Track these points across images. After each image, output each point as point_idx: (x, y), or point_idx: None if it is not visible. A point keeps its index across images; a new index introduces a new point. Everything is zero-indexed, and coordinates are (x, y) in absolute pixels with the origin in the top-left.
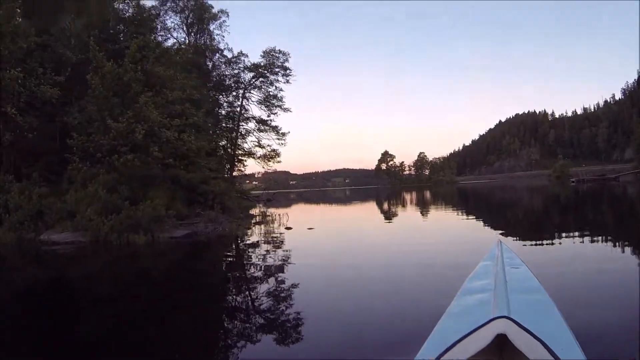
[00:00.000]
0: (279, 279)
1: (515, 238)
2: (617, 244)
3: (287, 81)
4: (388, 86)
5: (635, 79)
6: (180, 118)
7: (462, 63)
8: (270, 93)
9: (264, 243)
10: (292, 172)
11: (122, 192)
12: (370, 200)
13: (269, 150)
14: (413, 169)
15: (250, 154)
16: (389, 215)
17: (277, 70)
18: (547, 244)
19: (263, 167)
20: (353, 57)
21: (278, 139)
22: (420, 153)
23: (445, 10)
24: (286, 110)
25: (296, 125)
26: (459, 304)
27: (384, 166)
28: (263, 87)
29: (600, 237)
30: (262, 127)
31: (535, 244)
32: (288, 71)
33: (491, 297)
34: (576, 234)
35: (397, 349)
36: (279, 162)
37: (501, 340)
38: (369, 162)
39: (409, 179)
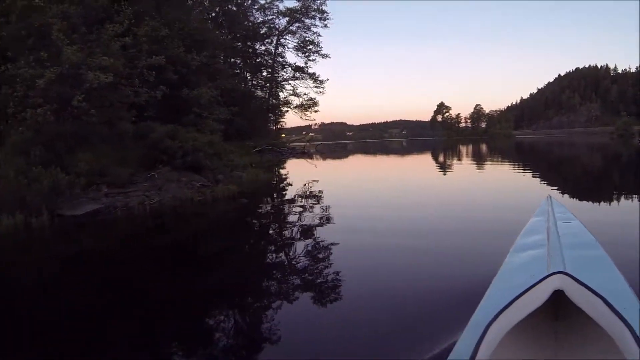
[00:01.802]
0: (314, 237)
1: (569, 195)
2: None
3: (325, 25)
4: (446, 36)
5: None
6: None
7: (523, 14)
8: (307, 38)
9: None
10: (348, 123)
11: (35, 155)
12: (426, 152)
13: (306, 99)
14: (469, 121)
15: (286, 103)
16: (444, 168)
17: (313, 13)
18: (602, 202)
19: (301, 117)
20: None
21: (316, 86)
22: (477, 105)
23: None
24: (324, 56)
25: (352, 76)
26: (511, 261)
27: (439, 118)
28: (299, 32)
29: None
30: (299, 75)
31: (591, 202)
32: (325, 14)
33: (545, 253)
34: (636, 194)
35: (446, 314)
36: (316, 111)
37: (557, 298)
38: (425, 113)
39: (465, 131)
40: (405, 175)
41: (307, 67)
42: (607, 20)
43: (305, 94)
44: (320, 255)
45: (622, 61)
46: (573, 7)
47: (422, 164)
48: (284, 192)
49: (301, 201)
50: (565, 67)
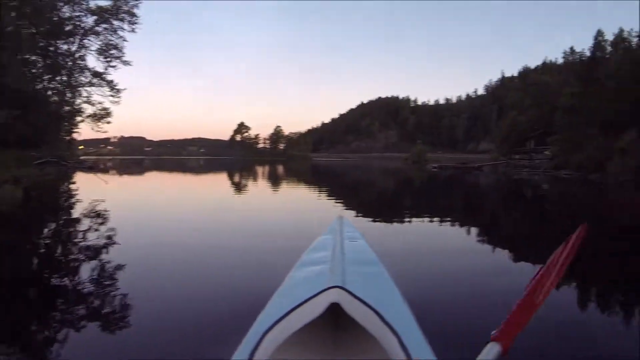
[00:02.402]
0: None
1: (361, 215)
2: (464, 227)
3: (133, 30)
4: (250, 55)
5: (499, 78)
6: None
7: (326, 44)
8: (111, 42)
9: None
10: (147, 137)
11: None
12: (223, 171)
13: (100, 108)
14: (268, 142)
15: (78, 111)
16: (238, 188)
17: (123, 15)
18: (390, 223)
19: (92, 128)
20: (220, 29)
21: (112, 95)
22: (277, 127)
23: None
24: (126, 63)
25: (154, 89)
26: (295, 275)
27: (238, 137)
28: (105, 34)
29: (449, 221)
30: (96, 81)
31: (379, 222)
32: (135, 17)
33: (327, 268)
34: (425, 215)
35: (230, 327)
36: (108, 122)
37: (337, 311)
38: (225, 132)
39: (263, 151)
40: (199, 194)
41: (106, 74)
42: (409, 57)
43: (99, 102)
44: (104, 280)
45: (422, 95)
46: (375, 43)
47: (217, 183)
48: (49, 216)
49: (72, 226)
50: (368, 95)
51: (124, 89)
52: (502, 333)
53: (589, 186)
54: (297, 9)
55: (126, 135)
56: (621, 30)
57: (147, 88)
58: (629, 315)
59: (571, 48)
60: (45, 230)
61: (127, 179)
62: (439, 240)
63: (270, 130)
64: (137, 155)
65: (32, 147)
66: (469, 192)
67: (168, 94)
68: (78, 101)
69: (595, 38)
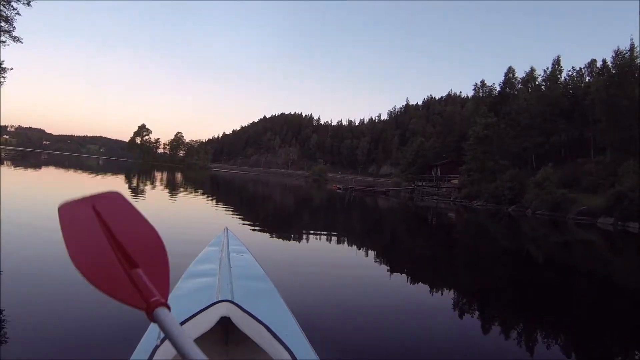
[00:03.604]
0: None
1: (249, 228)
2: (360, 248)
3: (28, 3)
4: (156, 59)
5: (403, 105)
6: None
7: (241, 56)
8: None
9: None
10: (47, 131)
11: None
12: (121, 173)
13: None
14: (168, 147)
15: None
16: (136, 192)
17: None
18: (279, 238)
19: None
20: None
21: None
22: (178, 133)
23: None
24: (16, 39)
25: (56, 80)
26: (182, 286)
27: (138, 140)
28: None
29: (336, 239)
30: None
31: (268, 236)
32: None
33: (215, 281)
34: (317, 233)
35: (114, 344)
36: None
37: (227, 325)
38: (126, 133)
39: (162, 157)
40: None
41: None
42: (316, 75)
43: None
44: None
45: (326, 115)
46: (283, 57)
47: (116, 186)
48: None
49: None
50: (272, 110)
51: (10, 69)
52: None
53: (507, 218)
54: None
55: (24, 125)
56: (532, 70)
57: (50, 77)
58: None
59: (482, 81)
60: None
61: (24, 172)
62: (331, 258)
63: (171, 136)
64: (34, 148)
65: None
66: (374, 216)
67: (72, 87)
68: None
69: (506, 75)
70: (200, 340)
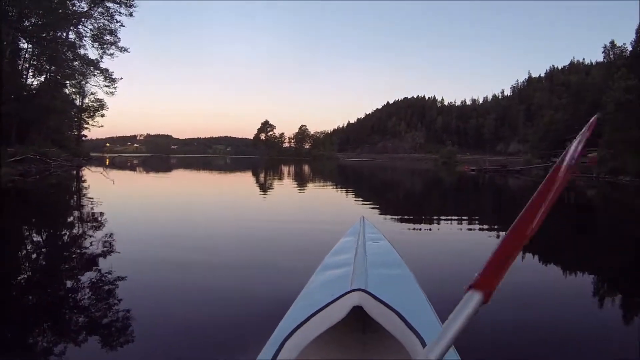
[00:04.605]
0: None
1: (385, 216)
2: (491, 230)
3: (131, 14)
4: (274, 54)
5: (525, 79)
6: None
7: (357, 44)
8: (106, 26)
9: None
10: (174, 136)
11: None
12: (249, 170)
13: (93, 100)
14: (293, 141)
15: (71, 105)
16: (265, 188)
17: None
18: (415, 224)
19: (89, 123)
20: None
21: (106, 85)
22: (302, 126)
23: None
24: (123, 50)
25: (178, 89)
26: (317, 279)
27: (263, 136)
28: (101, 18)
29: (476, 225)
30: (87, 70)
31: (404, 223)
32: (131, 0)
33: (350, 271)
34: (454, 218)
35: (251, 333)
36: (102, 115)
37: (363, 314)
38: (250, 131)
39: (288, 151)
40: (225, 193)
41: (98, 61)
42: (434, 57)
43: (92, 93)
44: (110, 289)
45: (449, 95)
46: (406, 44)
47: (245, 182)
48: None
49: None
50: (394, 96)
51: (120, 79)
52: (482, 280)
53: None
54: (320, 8)
55: (152, 133)
56: None
57: (174, 87)
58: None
59: (612, 42)
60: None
61: (148, 177)
62: (468, 242)
63: (295, 130)
64: (163, 153)
65: (20, 141)
66: (510, 197)
67: (193, 93)
68: (70, 90)
69: (637, 32)
70: (337, 329)
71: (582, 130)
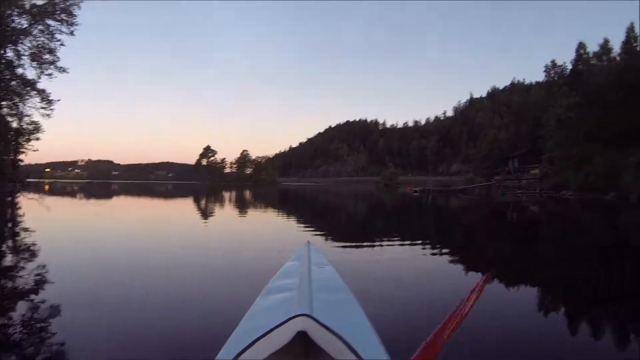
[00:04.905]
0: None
1: (331, 240)
2: (433, 253)
3: (72, 32)
4: (217, 79)
5: (467, 99)
6: None
7: (296, 67)
8: (45, 44)
9: None
10: (115, 161)
11: None
12: (190, 196)
13: (28, 122)
14: (235, 166)
15: (3, 124)
16: (206, 213)
17: (60, 15)
18: (359, 248)
19: (18, 147)
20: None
21: (43, 107)
22: (244, 151)
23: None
24: (62, 70)
25: (120, 114)
26: (261, 303)
27: (204, 161)
28: (40, 36)
29: (418, 247)
30: (21, 90)
31: (348, 248)
32: (73, 18)
33: (294, 295)
34: (396, 241)
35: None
36: (37, 139)
37: (307, 339)
38: (192, 156)
39: (230, 176)
40: (166, 219)
41: (35, 81)
42: (376, 79)
43: (27, 115)
44: (42, 322)
45: (391, 118)
46: (349, 67)
47: (185, 209)
48: None
49: None
50: (336, 119)
51: (58, 100)
52: None
53: (604, 208)
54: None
55: (94, 158)
56: (606, 41)
57: (114, 112)
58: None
59: (552, 62)
60: None
61: (86, 204)
62: (410, 263)
63: (237, 155)
64: (105, 179)
65: None
66: (452, 217)
67: (135, 117)
68: (6, 113)
69: (577, 51)
70: (281, 354)
71: (478, 283)
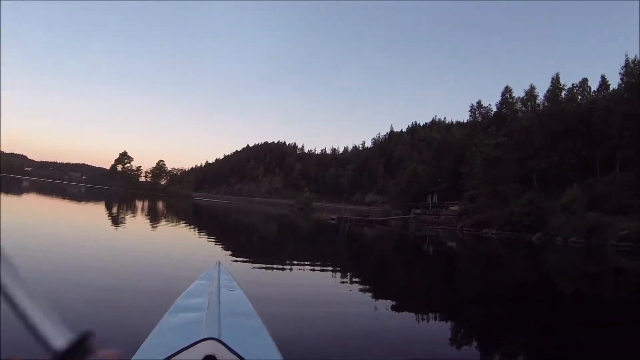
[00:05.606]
0: None
1: (241, 262)
2: (354, 282)
3: None
4: (137, 85)
5: (387, 132)
6: None
7: (217, 85)
8: None
9: None
10: (30, 157)
11: None
12: (102, 202)
13: None
14: (150, 176)
15: None
16: (116, 223)
17: None
18: (271, 272)
19: None
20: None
21: None
22: (160, 161)
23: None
24: None
25: (40, 105)
26: (169, 320)
27: (120, 167)
28: None
29: (329, 273)
30: None
31: (259, 271)
32: None
33: (203, 317)
34: (307, 266)
35: None
36: None
37: None
38: (107, 160)
39: (144, 185)
40: (72, 225)
41: None
42: (300, 107)
43: None
44: None
45: (310, 143)
46: (266, 86)
47: (97, 215)
48: None
49: None
50: (255, 139)
51: None
52: None
53: (528, 247)
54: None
55: (6, 151)
56: (532, 88)
57: (32, 105)
58: None
59: (478, 102)
60: None
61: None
62: (323, 292)
63: (153, 164)
64: (16, 175)
65: None
66: (370, 247)
67: (56, 113)
68: None
69: (503, 94)
70: None
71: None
